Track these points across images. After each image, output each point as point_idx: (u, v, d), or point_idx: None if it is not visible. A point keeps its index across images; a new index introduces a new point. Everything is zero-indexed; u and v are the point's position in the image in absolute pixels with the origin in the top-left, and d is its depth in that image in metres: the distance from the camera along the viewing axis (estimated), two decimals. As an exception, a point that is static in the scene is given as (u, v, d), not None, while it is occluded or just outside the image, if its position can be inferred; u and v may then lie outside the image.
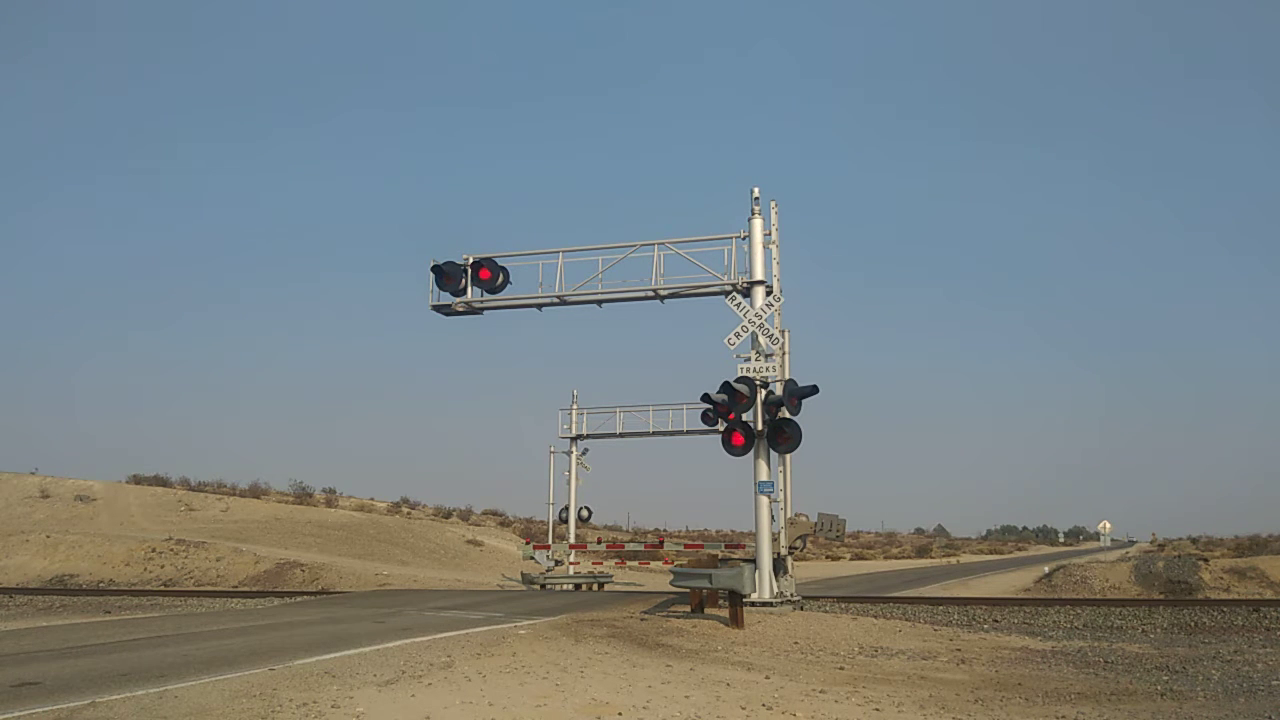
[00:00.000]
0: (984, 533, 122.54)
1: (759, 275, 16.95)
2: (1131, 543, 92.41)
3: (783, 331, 17.00)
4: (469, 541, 45.86)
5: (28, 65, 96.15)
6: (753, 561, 16.26)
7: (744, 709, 7.93)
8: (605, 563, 32.71)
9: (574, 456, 28.69)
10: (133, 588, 29.67)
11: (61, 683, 8.57)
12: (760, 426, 16.29)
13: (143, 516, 45.64)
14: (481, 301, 18.70)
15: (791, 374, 17.16)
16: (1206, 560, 28.34)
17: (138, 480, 52.50)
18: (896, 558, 70.05)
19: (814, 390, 16.40)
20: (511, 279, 18.69)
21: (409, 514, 54.98)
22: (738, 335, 16.62)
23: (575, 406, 28.87)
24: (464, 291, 18.56)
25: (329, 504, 53.30)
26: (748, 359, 16.36)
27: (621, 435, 28.54)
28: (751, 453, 16.50)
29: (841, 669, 10.59)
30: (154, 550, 35.80)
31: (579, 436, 28.70)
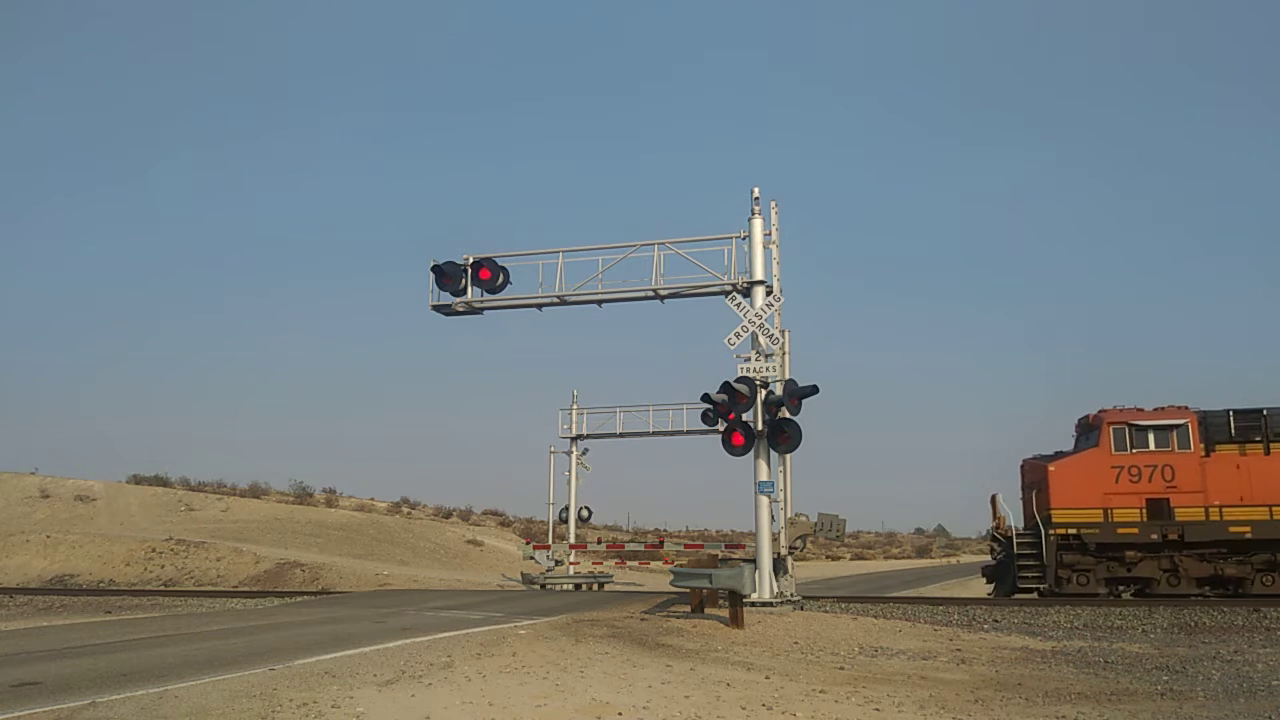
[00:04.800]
0: (984, 533, 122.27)
1: (759, 275, 16.95)
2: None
3: (783, 331, 17.00)
4: (469, 541, 45.87)
5: (30, 66, 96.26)
6: (753, 561, 16.26)
7: (744, 709, 7.93)
8: (605, 563, 32.71)
9: (574, 456, 28.69)
10: (133, 588, 29.66)
11: (61, 683, 8.57)
12: (760, 426, 16.29)
13: (143, 516, 45.63)
14: (481, 301, 18.70)
15: (791, 374, 17.17)
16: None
17: (138, 480, 52.47)
18: (896, 558, 70.08)
19: (814, 390, 16.41)
20: (511, 279, 18.70)
21: (409, 514, 54.98)
22: (738, 335, 16.62)
23: (575, 406, 28.87)
24: (464, 291, 18.55)
25: (329, 504, 53.28)
26: (748, 359, 16.37)
27: (621, 435, 28.56)
28: (751, 453, 16.50)
29: (841, 669, 10.59)
30: (154, 550, 35.80)
31: (579, 436, 28.71)
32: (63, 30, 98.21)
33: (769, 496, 16.43)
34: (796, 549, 17.95)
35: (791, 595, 17.15)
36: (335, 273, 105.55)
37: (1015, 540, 20.33)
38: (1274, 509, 19.08)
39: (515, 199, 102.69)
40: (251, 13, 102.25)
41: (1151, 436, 19.98)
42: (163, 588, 30.04)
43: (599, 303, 18.37)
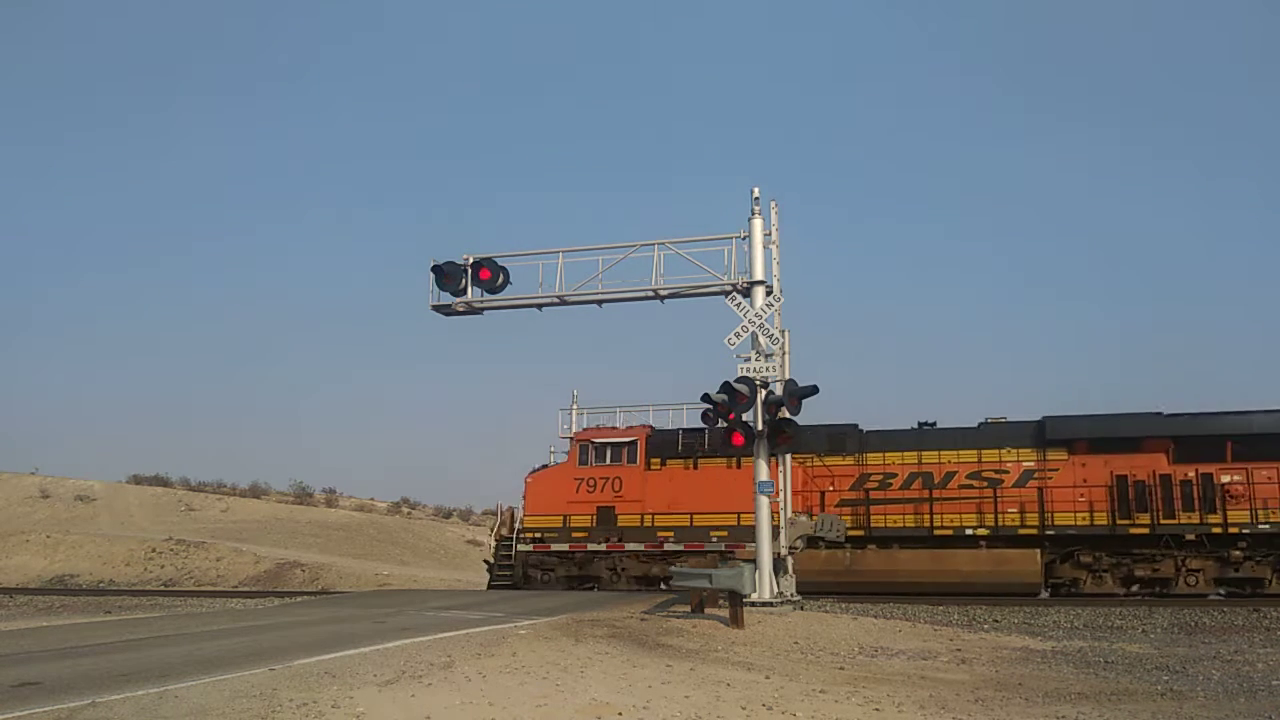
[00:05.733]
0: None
1: (759, 275, 16.94)
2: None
3: (783, 331, 17.00)
4: (469, 541, 45.94)
5: (36, 67, 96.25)
6: (753, 561, 16.25)
7: (744, 709, 7.93)
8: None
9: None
10: (133, 588, 29.69)
11: (61, 683, 8.57)
12: (760, 426, 16.29)
13: (143, 516, 45.70)
14: (482, 301, 18.68)
15: (791, 374, 17.16)
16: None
17: (138, 480, 52.55)
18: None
19: (814, 390, 16.40)
20: (511, 279, 18.66)
21: (409, 514, 55.06)
22: (738, 335, 16.61)
23: (575, 406, 28.78)
24: (464, 291, 18.52)
25: (329, 504, 53.36)
26: (748, 359, 16.35)
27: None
28: (751, 453, 16.50)
29: (841, 669, 10.59)
30: (154, 550, 35.87)
31: (579, 436, 28.63)
32: (61, 40, 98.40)
33: (769, 496, 16.42)
34: (796, 549, 17.95)
35: (792, 595, 17.15)
36: (335, 272, 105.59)
37: (496, 542, 23.46)
38: (694, 516, 21.85)
39: (515, 199, 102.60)
40: (252, 12, 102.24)
41: (609, 452, 23.03)
42: (163, 588, 30.08)
43: (599, 303, 18.36)
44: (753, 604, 15.50)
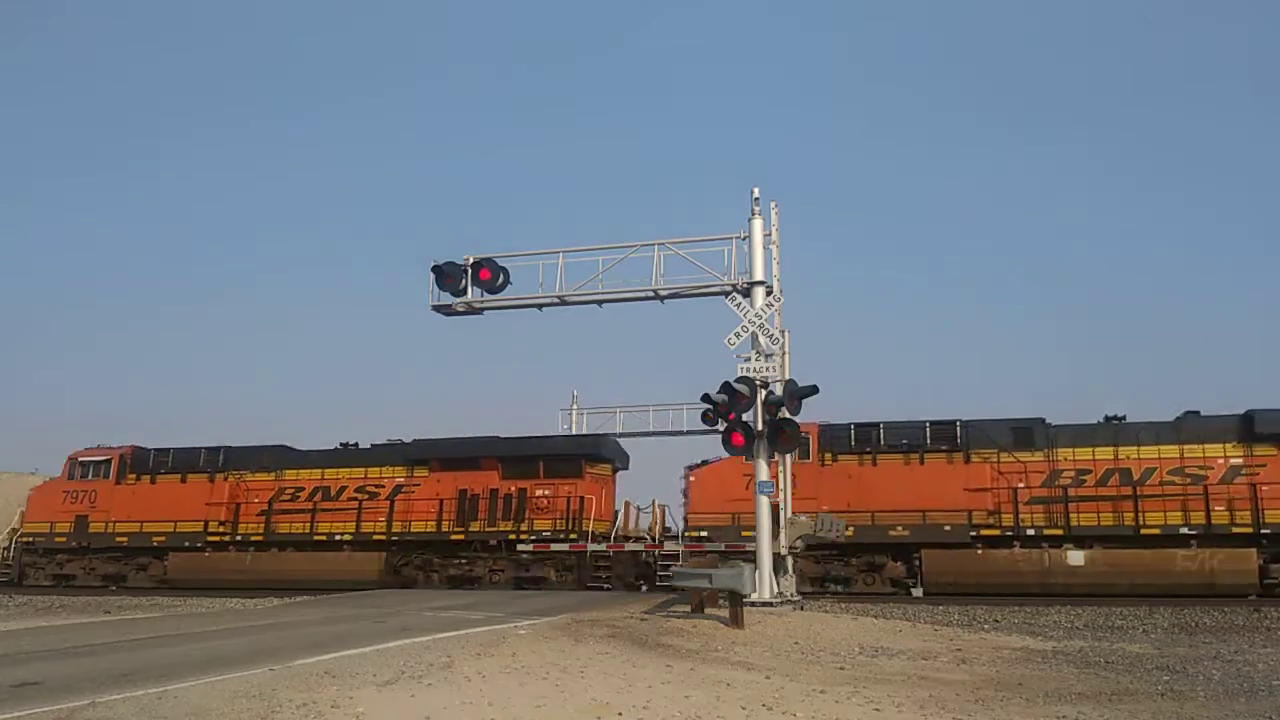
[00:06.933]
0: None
1: (759, 275, 16.94)
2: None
3: (783, 331, 16.99)
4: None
5: (25, 51, 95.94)
6: (753, 561, 16.24)
7: (744, 709, 7.92)
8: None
9: (574, 457, 28.60)
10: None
11: (61, 683, 8.58)
12: (760, 426, 16.29)
13: (143, 517, 45.39)
14: (482, 301, 18.68)
15: (791, 374, 17.15)
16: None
17: (138, 480, 52.19)
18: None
19: (814, 390, 16.40)
20: (512, 279, 18.66)
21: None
22: (738, 335, 16.61)
23: (575, 406, 28.85)
24: (464, 291, 18.52)
25: (329, 504, 53.14)
26: (748, 359, 16.35)
27: (622, 435, 28.48)
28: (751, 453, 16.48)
29: (842, 669, 10.59)
30: (154, 550, 35.58)
31: (579, 437, 28.62)
32: (65, 20, 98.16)
33: (769, 496, 16.42)
34: (796, 549, 17.94)
35: (792, 595, 17.14)
36: (334, 271, 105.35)
37: (6, 544, 26.85)
38: (144, 524, 25.19)
39: (516, 199, 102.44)
40: (252, 8, 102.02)
41: (90, 469, 26.00)
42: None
43: (599, 303, 18.35)
44: (752, 604, 15.50)
